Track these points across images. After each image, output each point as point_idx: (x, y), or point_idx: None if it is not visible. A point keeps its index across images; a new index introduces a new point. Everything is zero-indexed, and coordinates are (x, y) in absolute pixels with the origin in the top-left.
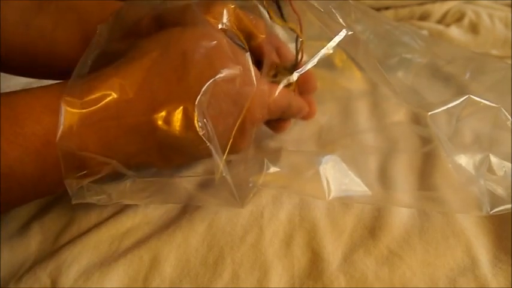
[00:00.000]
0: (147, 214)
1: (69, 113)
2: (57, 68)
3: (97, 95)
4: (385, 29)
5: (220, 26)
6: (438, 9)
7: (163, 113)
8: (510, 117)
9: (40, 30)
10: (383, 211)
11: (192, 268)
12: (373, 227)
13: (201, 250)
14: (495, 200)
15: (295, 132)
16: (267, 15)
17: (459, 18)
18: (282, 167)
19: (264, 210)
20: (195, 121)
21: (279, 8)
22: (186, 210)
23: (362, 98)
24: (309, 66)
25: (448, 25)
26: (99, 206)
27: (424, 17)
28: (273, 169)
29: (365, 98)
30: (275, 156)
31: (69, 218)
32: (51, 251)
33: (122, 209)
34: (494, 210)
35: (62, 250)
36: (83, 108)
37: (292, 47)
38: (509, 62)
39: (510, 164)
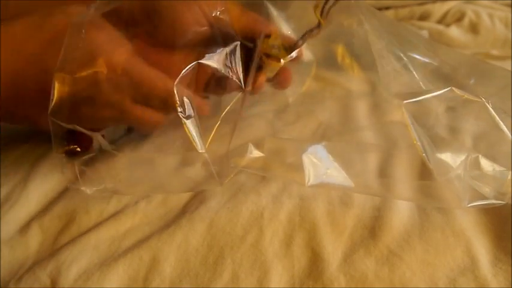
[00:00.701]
0: (147, 214)
1: (60, 89)
2: None
3: (88, 72)
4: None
5: (214, 14)
6: (438, 9)
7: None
8: (494, 113)
9: (19, 7)
10: (383, 211)
11: (192, 268)
12: (373, 227)
13: (201, 250)
14: (474, 194)
15: (296, 130)
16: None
17: (459, 18)
18: (266, 152)
19: (264, 210)
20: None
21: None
22: (186, 210)
23: (362, 98)
24: (293, 54)
25: (448, 25)
26: (99, 205)
27: (424, 17)
28: (256, 153)
29: (365, 98)
30: (260, 142)
31: (69, 218)
32: (51, 251)
33: (122, 209)
34: (471, 204)
35: (62, 250)
36: (74, 85)
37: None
38: (509, 62)
39: (493, 163)
